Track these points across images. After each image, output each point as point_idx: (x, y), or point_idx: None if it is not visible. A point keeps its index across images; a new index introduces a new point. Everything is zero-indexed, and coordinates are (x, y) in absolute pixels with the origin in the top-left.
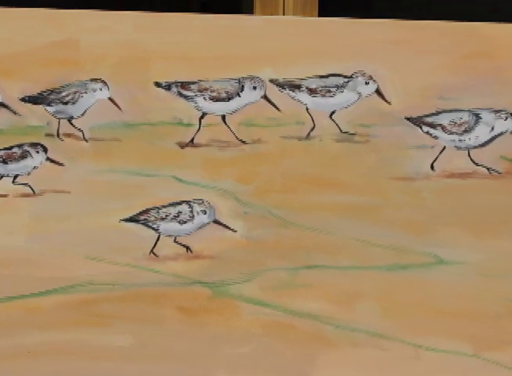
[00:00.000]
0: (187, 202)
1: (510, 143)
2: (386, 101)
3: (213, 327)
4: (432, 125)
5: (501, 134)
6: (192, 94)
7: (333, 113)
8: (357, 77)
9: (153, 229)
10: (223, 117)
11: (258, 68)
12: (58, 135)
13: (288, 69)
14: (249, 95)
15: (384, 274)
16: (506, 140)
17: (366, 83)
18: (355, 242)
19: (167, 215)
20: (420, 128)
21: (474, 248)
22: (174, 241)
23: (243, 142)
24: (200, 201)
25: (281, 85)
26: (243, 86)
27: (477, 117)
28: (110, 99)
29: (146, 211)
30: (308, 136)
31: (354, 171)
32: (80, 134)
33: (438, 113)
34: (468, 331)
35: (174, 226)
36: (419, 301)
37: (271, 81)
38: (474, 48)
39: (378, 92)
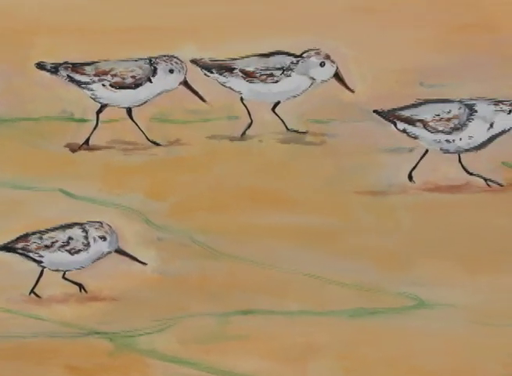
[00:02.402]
0: (80, 225)
1: None
2: (348, 88)
3: None
4: (410, 121)
5: (503, 132)
6: (88, 79)
7: (276, 104)
8: (309, 56)
9: (35, 260)
10: (129, 110)
11: (177, 44)
12: None
13: (217, 45)
14: (164, 81)
15: (346, 322)
16: (510, 141)
17: (322, 64)
18: (308, 279)
19: (53, 243)
20: (394, 124)
21: (467, 286)
22: (63, 277)
23: (156, 143)
24: (98, 224)
25: (207, 67)
26: (155, 68)
27: (471, 109)
28: None
29: (25, 237)
30: (243, 136)
31: (305, 182)
32: None
33: (418, 104)
34: None
35: (62, 257)
36: (392, 357)
37: (193, 61)
38: (467, 19)
39: (338, 76)
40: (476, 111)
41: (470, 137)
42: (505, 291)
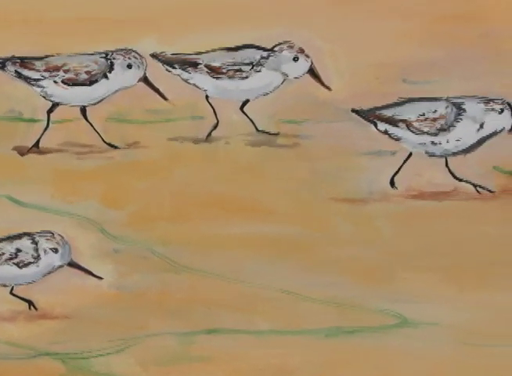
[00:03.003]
0: (30, 235)
1: (507, 148)
2: (324, 85)
3: None
4: (392, 121)
5: (494, 134)
6: (38, 75)
7: (245, 103)
8: (281, 50)
9: None
10: (83, 109)
11: (135, 37)
12: None
13: (179, 38)
14: (121, 77)
15: (321, 342)
16: (502, 143)
17: (295, 59)
18: (279, 295)
19: None
20: (375, 125)
21: (453, 303)
22: (11, 293)
23: (113, 146)
24: (49, 235)
25: (169, 62)
26: (112, 63)
27: (459, 108)
28: None
29: None
30: (208, 138)
31: (276, 189)
32: None
33: (400, 103)
34: None
35: (10, 271)
36: None
37: (154, 56)
38: (454, 10)
39: (312, 72)
40: (464, 110)
41: (458, 139)
42: (494, 309)
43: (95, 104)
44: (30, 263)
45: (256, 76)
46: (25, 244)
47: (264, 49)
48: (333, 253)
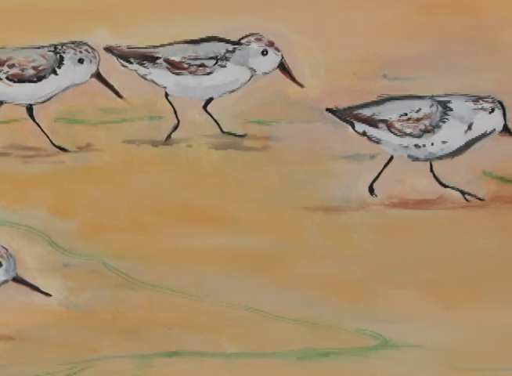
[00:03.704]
0: None
1: (499, 152)
2: (296, 82)
3: None
4: (372, 122)
5: (484, 135)
6: None
7: (209, 102)
8: (249, 43)
9: None
10: (29, 108)
11: (87, 29)
12: None
13: (136, 29)
14: (72, 73)
15: (294, 365)
16: (493, 146)
17: (264, 53)
18: (247, 314)
19: None
20: (352, 125)
21: (439, 323)
22: None
23: (63, 149)
24: None
25: (124, 57)
26: (61, 58)
27: (446, 107)
28: None
29: None
30: (168, 140)
31: (244, 196)
32: None
33: (380, 101)
34: None
35: None
36: None
37: (107, 49)
38: None
39: (283, 67)
40: (451, 110)
41: (445, 141)
42: (485, 328)
43: (42, 102)
44: None
45: (221, 72)
46: None
47: (229, 42)
48: (306, 268)
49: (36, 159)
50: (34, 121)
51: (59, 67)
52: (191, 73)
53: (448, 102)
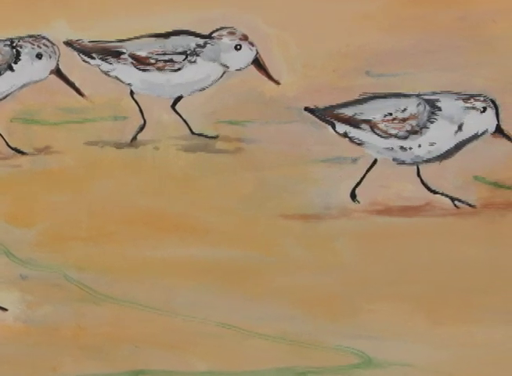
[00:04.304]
0: None
1: (491, 155)
2: (271, 79)
3: None
4: (354, 122)
5: (475, 137)
6: None
7: (178, 100)
8: (220, 37)
9: None
10: None
11: (46, 21)
12: None
13: (98, 22)
14: (29, 69)
15: None
16: (485, 149)
17: (237, 48)
18: (220, 330)
19: None
20: (332, 126)
21: (427, 340)
22: None
23: (20, 151)
24: None
25: (86, 52)
26: (18, 53)
27: (434, 106)
28: None
29: None
30: (133, 141)
31: (216, 203)
32: None
33: (363, 100)
34: None
35: None
36: None
37: (68, 43)
38: None
39: (258, 63)
40: (440, 109)
41: (433, 143)
42: (475, 346)
43: None
44: None
45: (190, 68)
46: None
47: (200, 36)
48: (284, 280)
49: None
50: None
51: (15, 63)
52: (158, 69)
53: (437, 100)
